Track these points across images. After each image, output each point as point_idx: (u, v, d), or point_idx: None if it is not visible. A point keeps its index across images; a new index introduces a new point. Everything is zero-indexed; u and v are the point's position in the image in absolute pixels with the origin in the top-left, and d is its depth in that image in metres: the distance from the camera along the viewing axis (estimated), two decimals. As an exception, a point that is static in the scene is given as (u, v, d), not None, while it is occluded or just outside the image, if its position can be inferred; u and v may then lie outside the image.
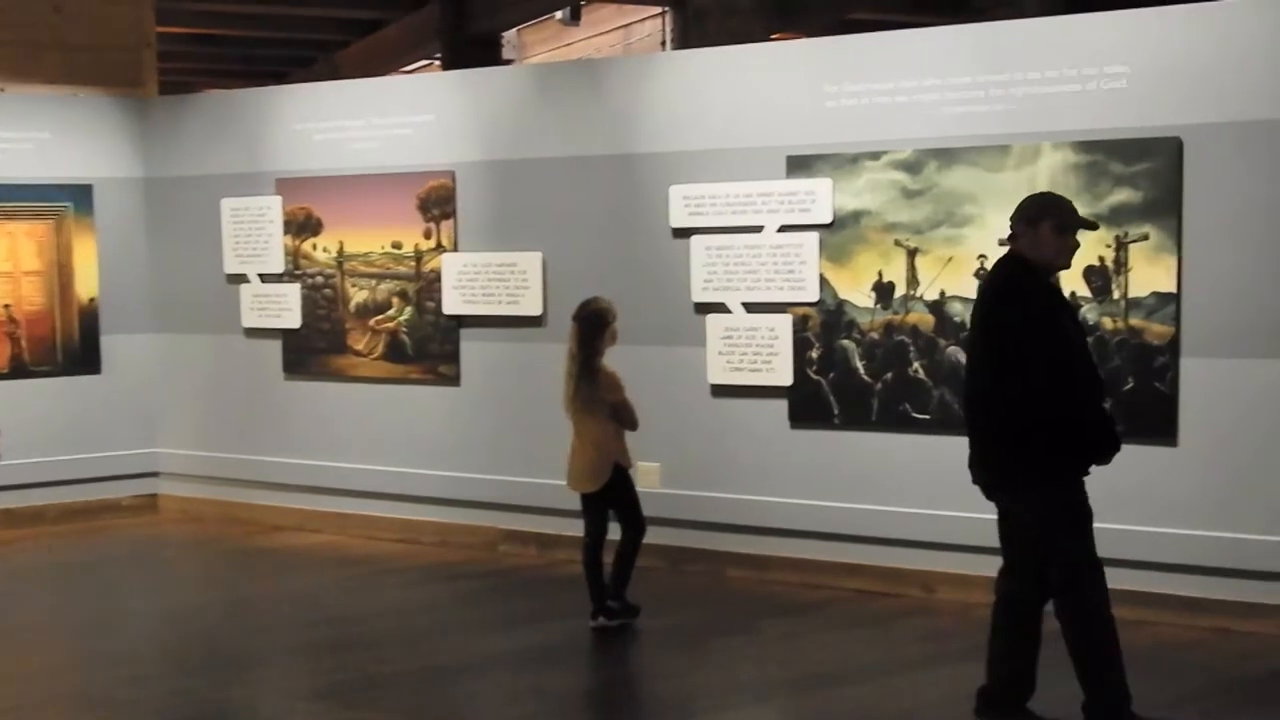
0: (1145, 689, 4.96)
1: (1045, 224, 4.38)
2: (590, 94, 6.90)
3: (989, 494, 4.53)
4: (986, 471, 4.47)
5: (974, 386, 4.47)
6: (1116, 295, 5.70)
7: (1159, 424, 5.65)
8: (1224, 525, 5.57)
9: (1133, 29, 5.67)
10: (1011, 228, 4.45)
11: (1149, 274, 5.64)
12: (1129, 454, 5.64)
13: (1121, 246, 5.68)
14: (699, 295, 6.56)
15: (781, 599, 6.21)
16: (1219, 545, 5.58)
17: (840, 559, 6.32)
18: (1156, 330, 5.64)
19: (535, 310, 7.03)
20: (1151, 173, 5.60)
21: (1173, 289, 5.59)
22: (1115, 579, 5.68)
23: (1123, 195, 5.67)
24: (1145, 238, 5.64)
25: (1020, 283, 4.36)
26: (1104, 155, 5.68)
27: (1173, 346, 5.61)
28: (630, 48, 15.95)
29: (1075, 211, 4.47)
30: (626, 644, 5.71)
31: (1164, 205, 5.59)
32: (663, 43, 15.05)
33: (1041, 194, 4.69)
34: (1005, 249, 4.53)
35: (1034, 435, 4.27)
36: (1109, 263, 5.70)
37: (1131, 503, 5.69)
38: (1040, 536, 4.42)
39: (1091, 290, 5.74)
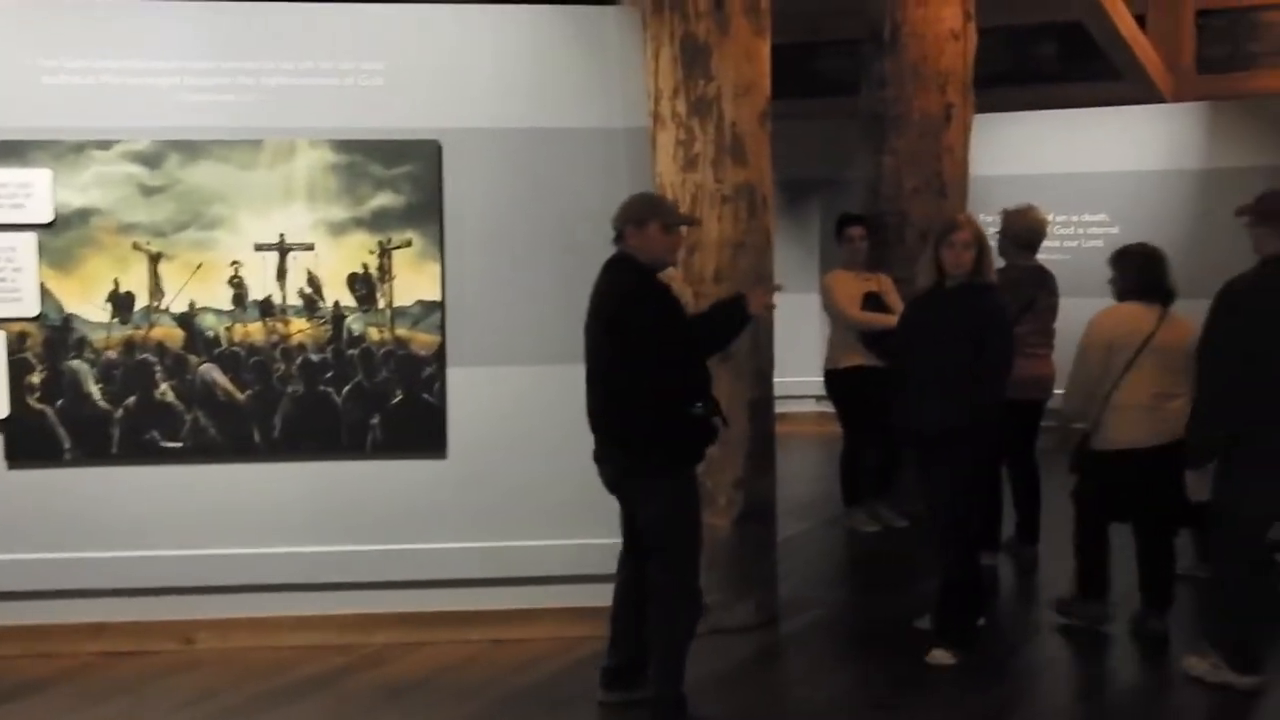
0: (429, 715, 4.78)
1: (653, 224, 4.53)
2: None
3: (616, 487, 4.64)
4: (619, 466, 4.57)
5: (604, 388, 4.53)
6: (382, 304, 5.41)
7: (429, 437, 5.46)
8: (494, 535, 5.53)
9: (390, 25, 5.41)
10: (619, 229, 4.55)
11: (413, 281, 5.42)
12: (400, 470, 5.50)
13: (385, 253, 5.41)
14: (-126, 310, 5.22)
15: (4, 680, 5.11)
16: (490, 555, 5.53)
17: (79, 619, 5.35)
18: (423, 339, 5.45)
19: None
20: (412, 176, 5.39)
21: (438, 297, 5.43)
22: (386, 602, 5.52)
23: (385, 199, 5.40)
24: (408, 244, 5.41)
25: (642, 282, 4.49)
26: (363, 156, 5.37)
27: (440, 356, 5.45)
28: None
29: (676, 210, 4.90)
30: None
31: (425, 210, 5.41)
32: None
33: (643, 194, 4.83)
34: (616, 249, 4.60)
35: (666, 427, 4.46)
36: (373, 270, 5.41)
37: (403, 521, 5.47)
38: (663, 525, 4.52)
39: (357, 299, 5.41)
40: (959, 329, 5.18)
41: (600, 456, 4.63)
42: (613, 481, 4.65)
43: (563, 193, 5.49)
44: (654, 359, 4.39)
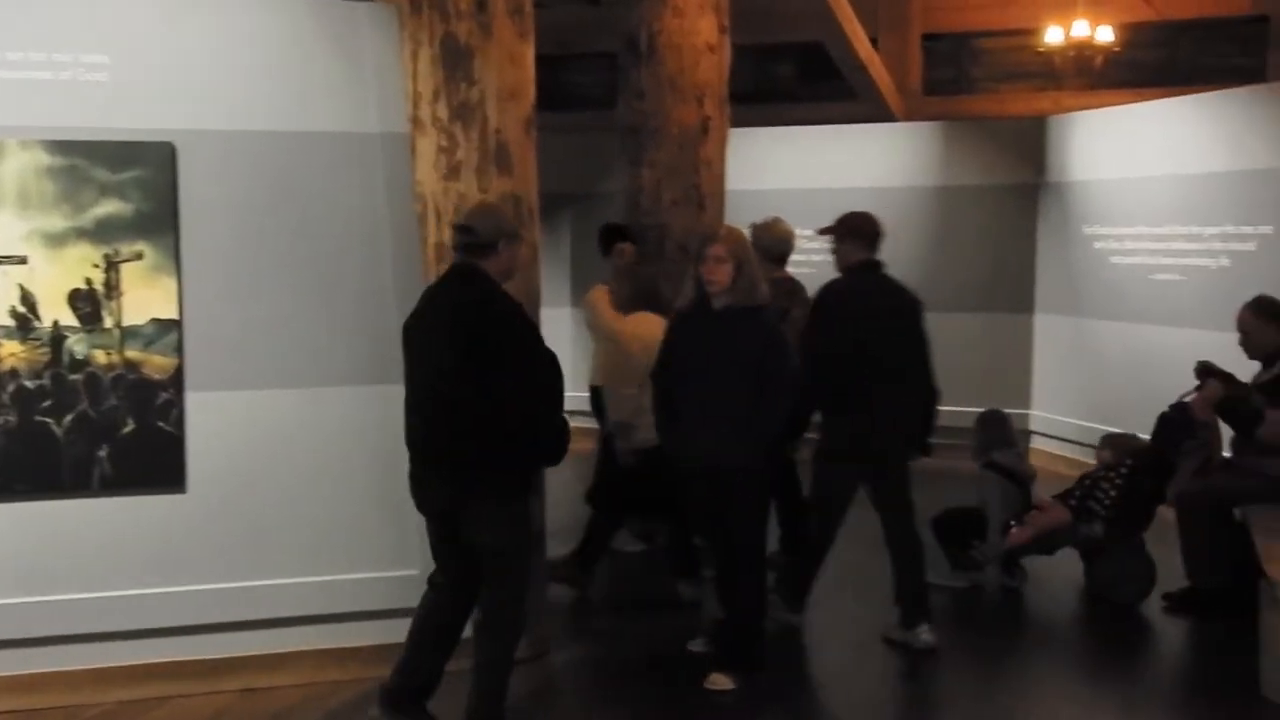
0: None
1: (519, 241, 4.49)
2: None
3: (446, 510, 4.35)
4: (459, 490, 4.27)
5: (450, 408, 4.22)
6: (110, 324, 4.87)
7: (166, 469, 4.95)
8: (244, 574, 5.06)
9: (116, 13, 4.87)
10: (486, 241, 4.32)
11: (146, 298, 4.90)
12: (132, 507, 4.96)
13: (112, 267, 4.87)
14: None
15: None
16: (237, 596, 5.05)
17: None
18: (158, 362, 4.93)
19: None
20: (142, 182, 4.88)
21: (174, 315, 4.92)
22: (122, 654, 4.97)
23: (111, 207, 4.86)
24: (139, 256, 4.89)
25: (505, 297, 4.31)
26: (85, 159, 4.82)
27: (177, 380, 4.95)
28: None
29: None
30: None
31: (159, 220, 4.90)
32: None
33: (497, 206, 4.69)
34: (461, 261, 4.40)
35: (523, 445, 4.27)
36: (99, 286, 4.86)
37: (138, 563, 4.95)
38: (499, 549, 4.34)
39: (79, 318, 4.84)
40: (736, 356, 4.91)
41: (431, 479, 4.34)
42: (443, 506, 4.36)
43: (313, 201, 5.08)
44: (523, 375, 4.20)
